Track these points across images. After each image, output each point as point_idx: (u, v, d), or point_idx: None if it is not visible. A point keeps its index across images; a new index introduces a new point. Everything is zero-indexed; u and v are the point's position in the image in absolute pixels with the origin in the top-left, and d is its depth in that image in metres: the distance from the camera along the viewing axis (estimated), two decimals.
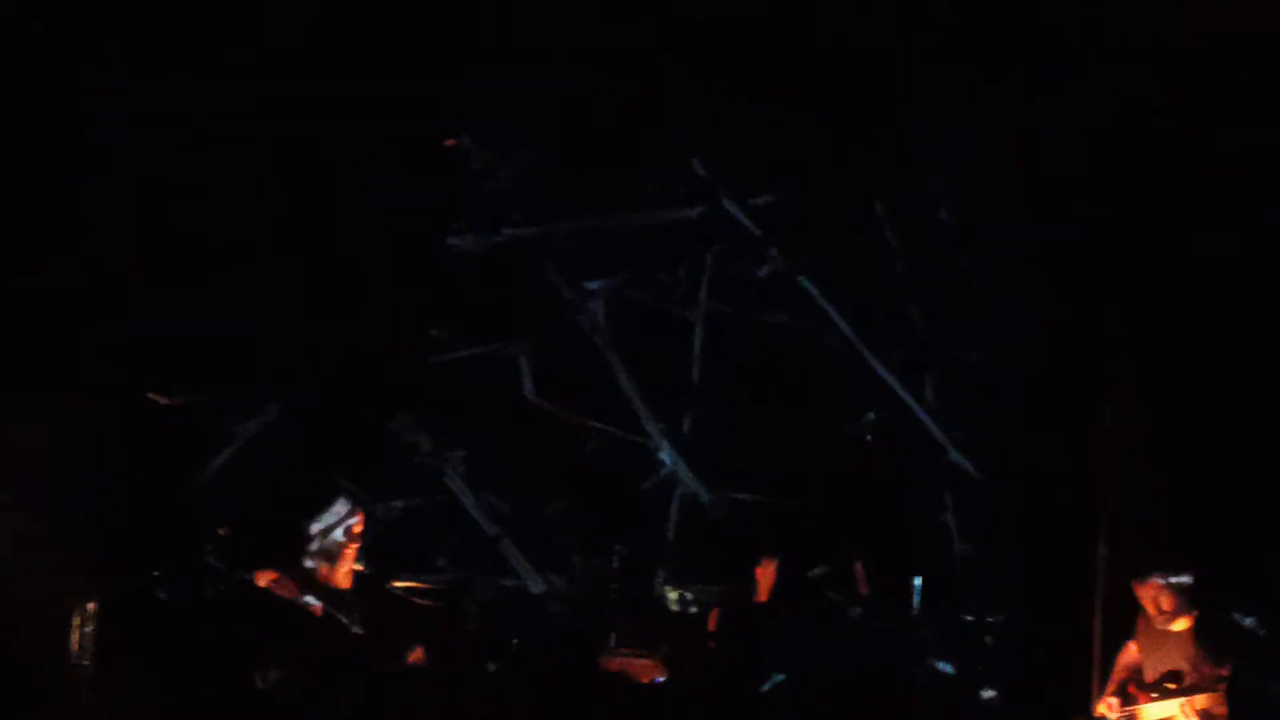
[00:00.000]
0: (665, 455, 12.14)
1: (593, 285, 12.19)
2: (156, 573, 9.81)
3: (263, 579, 9.71)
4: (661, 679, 9.78)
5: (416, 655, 9.88)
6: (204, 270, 11.30)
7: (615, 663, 10.10)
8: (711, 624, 10.60)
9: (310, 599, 9.73)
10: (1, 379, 10.73)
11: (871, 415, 12.11)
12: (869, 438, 12.13)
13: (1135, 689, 10.38)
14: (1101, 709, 10.48)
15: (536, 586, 11.94)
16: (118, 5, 11.24)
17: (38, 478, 10.83)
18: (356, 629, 9.72)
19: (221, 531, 9.95)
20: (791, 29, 11.83)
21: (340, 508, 10.03)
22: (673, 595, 10.76)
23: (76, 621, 10.04)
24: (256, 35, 11.28)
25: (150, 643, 9.51)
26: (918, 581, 10.78)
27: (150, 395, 11.35)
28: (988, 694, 10.68)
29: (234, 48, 11.31)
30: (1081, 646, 11.10)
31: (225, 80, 11.34)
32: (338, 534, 9.98)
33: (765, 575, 10.47)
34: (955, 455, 12.27)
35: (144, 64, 11.20)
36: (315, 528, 9.97)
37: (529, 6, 11.58)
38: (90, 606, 10.03)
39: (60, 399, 10.82)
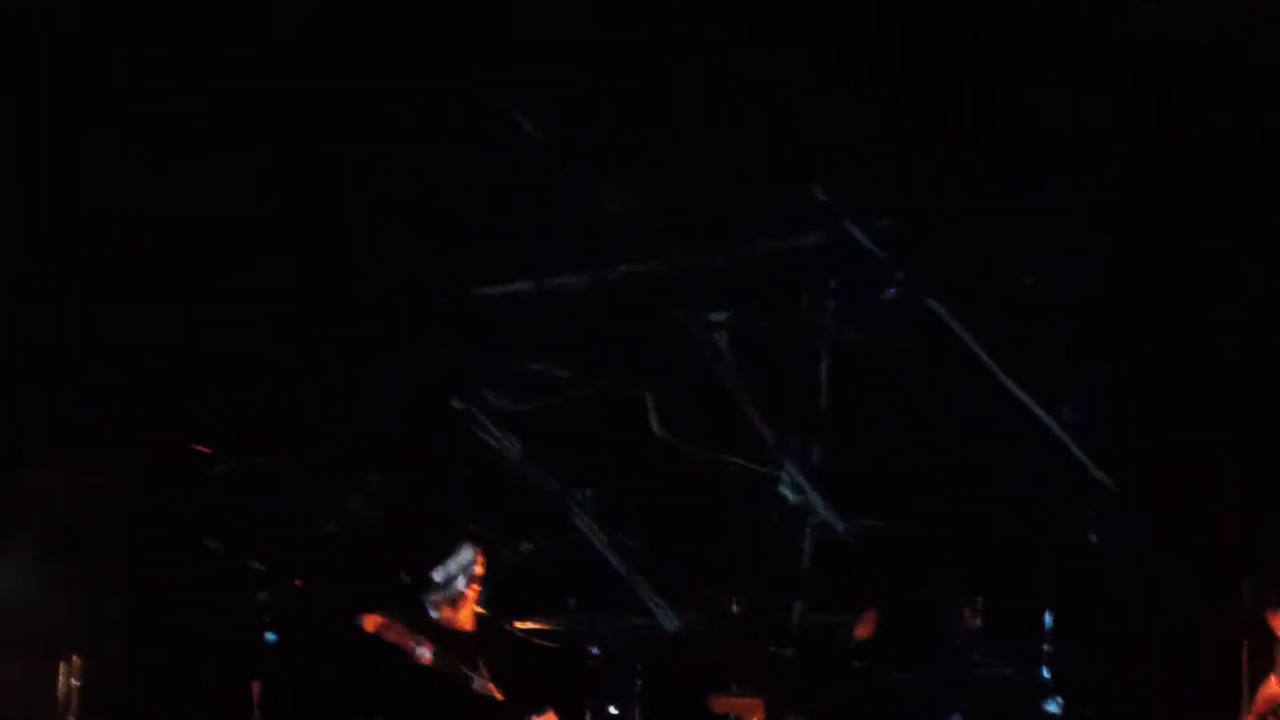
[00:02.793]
0: (787, 488, 11.97)
1: (717, 317, 12.07)
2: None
3: (370, 623, 9.70)
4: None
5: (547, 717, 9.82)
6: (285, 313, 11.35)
7: (722, 703, 10.02)
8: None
9: (421, 649, 9.70)
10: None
11: None
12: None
13: None
14: None
15: (670, 624, 11.83)
16: None
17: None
18: (476, 680, 9.69)
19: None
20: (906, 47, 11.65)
21: (465, 554, 10.01)
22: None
23: (63, 671, 10.20)
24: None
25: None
26: (1048, 617, 10.52)
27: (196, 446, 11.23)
28: None
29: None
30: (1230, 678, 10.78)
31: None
32: (459, 582, 9.96)
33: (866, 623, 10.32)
34: (1097, 473, 11.96)
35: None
36: (439, 574, 9.96)
37: (639, 39, 11.50)
38: (75, 660, 10.17)
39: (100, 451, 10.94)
